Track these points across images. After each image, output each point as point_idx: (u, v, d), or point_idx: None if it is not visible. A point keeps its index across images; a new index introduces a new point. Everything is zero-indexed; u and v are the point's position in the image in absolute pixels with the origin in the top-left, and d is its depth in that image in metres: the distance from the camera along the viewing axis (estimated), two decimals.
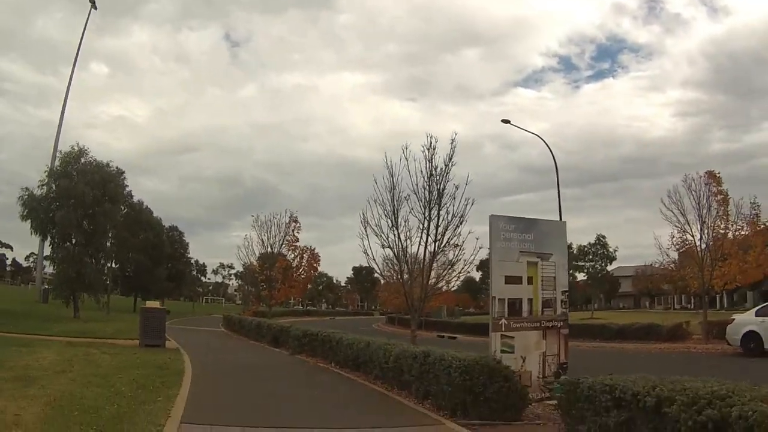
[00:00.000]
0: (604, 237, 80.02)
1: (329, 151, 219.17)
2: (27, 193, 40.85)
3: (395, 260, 19.59)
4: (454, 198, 18.31)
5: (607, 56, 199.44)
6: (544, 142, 39.39)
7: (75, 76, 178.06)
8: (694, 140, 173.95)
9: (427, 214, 18.52)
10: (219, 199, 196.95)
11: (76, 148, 43.04)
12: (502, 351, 12.18)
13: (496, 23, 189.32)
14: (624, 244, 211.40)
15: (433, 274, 19.68)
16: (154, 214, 68.50)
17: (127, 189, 54.07)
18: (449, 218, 18.31)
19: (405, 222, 19.08)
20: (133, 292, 67.27)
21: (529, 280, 12.89)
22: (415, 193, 18.66)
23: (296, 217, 45.16)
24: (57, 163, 42.34)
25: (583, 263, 79.74)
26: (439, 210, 18.39)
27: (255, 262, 45.20)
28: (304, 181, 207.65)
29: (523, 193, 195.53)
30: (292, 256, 45.98)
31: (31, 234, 41.33)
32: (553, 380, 11.93)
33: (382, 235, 19.23)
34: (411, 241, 19.02)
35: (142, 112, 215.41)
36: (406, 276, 19.65)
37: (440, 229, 18.43)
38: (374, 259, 19.97)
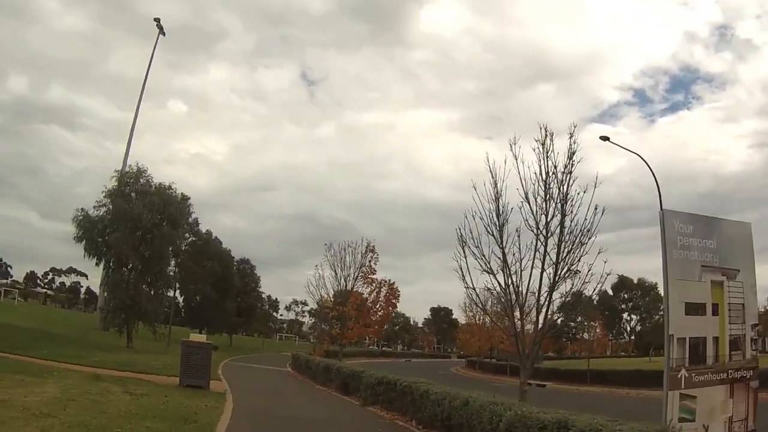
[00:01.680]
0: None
1: (406, 189, 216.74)
2: (82, 214, 38.00)
3: (500, 290, 14.63)
4: (580, 205, 13.62)
5: (680, 87, 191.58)
6: (645, 161, 34.48)
7: (153, 114, 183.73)
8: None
9: (543, 227, 13.79)
10: (295, 238, 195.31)
11: (134, 168, 40.04)
12: (681, 419, 7.73)
13: (569, 57, 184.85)
14: None
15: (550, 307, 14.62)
16: (224, 245, 65.24)
17: (193, 216, 51.52)
18: (576, 231, 13.51)
19: (512, 242, 14.42)
20: (199, 324, 63.61)
21: (714, 309, 8.29)
22: (526, 201, 14.01)
23: (373, 246, 40.48)
24: (113, 182, 39.10)
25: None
26: (562, 220, 13.63)
27: (327, 296, 40.67)
28: (380, 219, 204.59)
29: (602, 234, 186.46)
30: (368, 290, 41.09)
31: (84, 257, 38.45)
32: None
33: (483, 258, 14.61)
34: (521, 265, 14.24)
35: (219, 150, 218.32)
36: (516, 312, 14.67)
37: (564, 247, 13.59)
38: (473, 288, 15.13)
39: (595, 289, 14.53)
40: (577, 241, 13.37)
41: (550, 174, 13.80)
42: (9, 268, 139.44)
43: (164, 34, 66.98)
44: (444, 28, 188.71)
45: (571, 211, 13.54)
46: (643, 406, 24.67)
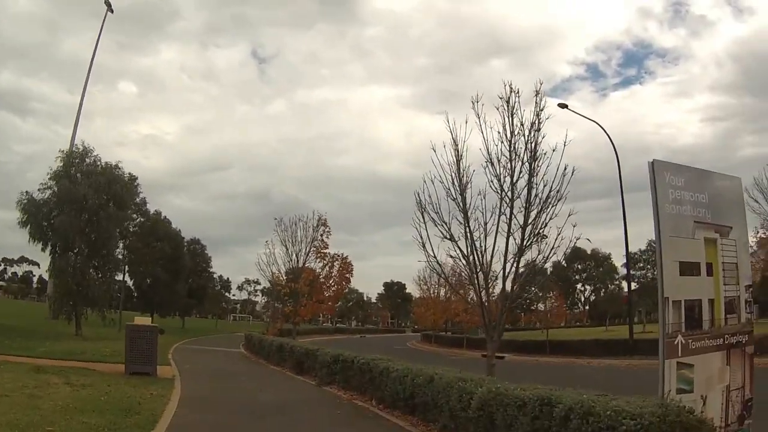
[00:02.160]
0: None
1: (359, 166, 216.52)
2: (26, 197, 36.34)
3: (463, 258, 13.86)
4: (549, 165, 12.94)
5: (633, 62, 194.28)
6: (602, 128, 34.74)
7: (104, 96, 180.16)
8: (724, 145, 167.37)
9: (509, 188, 13.11)
10: (249, 217, 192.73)
11: (80, 148, 38.47)
12: (678, 390, 7.17)
13: (522, 33, 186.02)
14: None
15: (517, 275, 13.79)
16: (175, 226, 63.69)
17: (141, 196, 50.15)
18: (546, 193, 12.84)
19: (475, 206, 13.72)
20: (150, 308, 62.00)
21: (709, 269, 7.77)
22: (490, 162, 13.29)
23: (325, 219, 39.34)
24: (59, 163, 37.39)
25: (634, 272, 74.46)
26: (530, 179, 12.94)
27: (278, 273, 39.39)
28: (333, 196, 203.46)
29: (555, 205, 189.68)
30: (321, 265, 39.77)
31: (29, 242, 36.74)
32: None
33: (444, 225, 13.91)
34: (485, 230, 13.51)
35: (171, 130, 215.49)
36: (480, 281, 13.81)
37: (531, 210, 12.90)
38: (435, 257, 14.33)
39: (564, 254, 13.74)
40: (546, 203, 12.68)
41: (516, 132, 13.11)
42: None
43: (112, 11, 65.04)
44: (397, 3, 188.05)
45: (538, 171, 12.85)
46: (613, 377, 24.45)
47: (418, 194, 14.08)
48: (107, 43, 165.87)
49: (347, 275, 41.34)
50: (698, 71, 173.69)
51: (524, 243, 12.89)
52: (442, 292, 63.52)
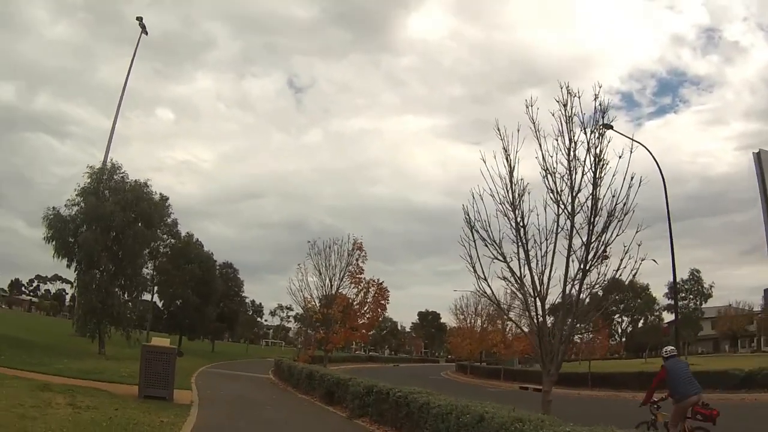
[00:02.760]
0: (698, 272, 71.96)
1: (393, 195, 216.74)
2: (53, 213, 35.34)
3: (517, 281, 12.02)
4: (615, 174, 11.14)
5: (668, 90, 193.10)
6: (649, 151, 32.62)
7: (141, 122, 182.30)
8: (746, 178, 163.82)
9: (569, 200, 11.36)
10: (284, 245, 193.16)
11: (108, 164, 37.46)
12: None
13: (555, 61, 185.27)
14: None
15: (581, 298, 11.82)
16: (206, 249, 62.33)
17: (172, 217, 49.24)
18: (613, 204, 11.00)
19: (529, 222, 11.98)
20: (179, 330, 60.61)
21: None
22: (547, 172, 11.57)
23: (361, 243, 37.37)
24: (86, 179, 36.36)
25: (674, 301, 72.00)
26: (594, 190, 11.12)
27: (310, 297, 37.59)
28: (368, 224, 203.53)
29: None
30: (355, 290, 37.70)
31: (54, 258, 35.48)
32: None
33: (494, 244, 12.15)
34: (541, 250, 11.71)
35: (207, 157, 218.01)
36: (538, 306, 11.93)
37: (597, 225, 11.11)
38: (485, 279, 12.39)
39: (631, 276, 11.62)
40: (612, 215, 10.88)
41: (576, 139, 11.42)
42: None
43: (146, 33, 64.48)
44: (430, 33, 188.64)
45: (602, 181, 11.06)
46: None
47: (466, 208, 12.38)
48: (144, 70, 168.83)
49: (383, 302, 39.10)
50: (732, 98, 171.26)
51: (588, 263, 11.08)
52: (478, 322, 61.79)
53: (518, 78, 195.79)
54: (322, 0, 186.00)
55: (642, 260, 11.00)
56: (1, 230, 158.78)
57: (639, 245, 10.85)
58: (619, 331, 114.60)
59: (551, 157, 11.51)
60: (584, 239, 11.04)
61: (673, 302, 70.35)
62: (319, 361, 37.78)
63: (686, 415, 11.24)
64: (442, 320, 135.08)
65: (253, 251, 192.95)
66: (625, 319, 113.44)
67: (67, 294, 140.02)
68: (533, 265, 11.61)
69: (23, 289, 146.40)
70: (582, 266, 11.09)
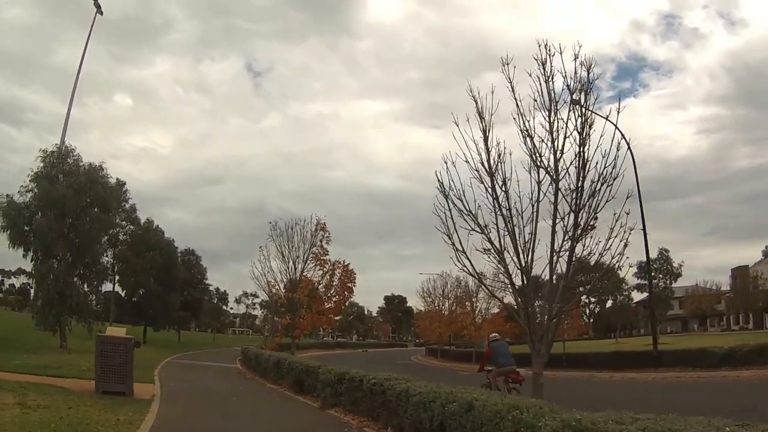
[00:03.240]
0: (667, 251, 72.13)
1: (353, 179, 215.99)
2: (6, 200, 33.64)
3: (497, 253, 11.09)
4: (603, 135, 10.32)
5: (627, 75, 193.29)
6: (615, 126, 31.50)
7: (100, 107, 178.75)
8: (718, 157, 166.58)
9: (551, 165, 10.50)
10: (244, 230, 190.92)
11: (62, 148, 35.75)
12: None
13: (514, 45, 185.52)
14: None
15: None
16: (168, 236, 60.78)
17: (131, 202, 47.69)
18: (603, 165, 10.11)
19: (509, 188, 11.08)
20: (142, 321, 59.15)
21: None
22: (527, 136, 10.73)
23: (324, 223, 36.00)
24: (39, 163, 34.67)
25: (644, 281, 72.26)
26: (581, 151, 10.22)
27: (274, 282, 36.17)
28: (327, 209, 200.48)
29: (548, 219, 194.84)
30: (321, 273, 36.34)
31: (9, 248, 33.76)
32: None
33: (471, 214, 11.24)
34: (522, 219, 10.81)
35: (165, 143, 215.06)
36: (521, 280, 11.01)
37: (583, 193, 10.20)
38: (464, 251, 11.34)
39: (621, 251, 10.73)
40: (603, 179, 9.99)
41: (558, 99, 10.57)
42: None
43: (101, 13, 62.45)
44: (388, 16, 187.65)
45: (589, 138, 10.16)
46: (651, 391, 21.90)
47: (440, 176, 11.43)
48: (101, 54, 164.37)
49: (349, 284, 37.45)
50: (691, 83, 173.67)
51: (578, 230, 10.20)
52: (446, 305, 61.10)
53: (475, 62, 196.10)
54: None
55: (631, 230, 10.20)
56: None
57: (627, 213, 10.04)
58: (588, 311, 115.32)
59: (530, 119, 10.70)
60: (571, 205, 10.17)
61: (643, 281, 70.57)
62: (288, 349, 36.73)
63: (504, 380, 17.20)
64: (408, 304, 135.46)
65: (213, 237, 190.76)
66: (592, 299, 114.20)
67: (32, 288, 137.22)
68: (517, 235, 10.72)
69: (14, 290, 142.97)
70: (572, 234, 10.23)
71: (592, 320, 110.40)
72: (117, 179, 41.00)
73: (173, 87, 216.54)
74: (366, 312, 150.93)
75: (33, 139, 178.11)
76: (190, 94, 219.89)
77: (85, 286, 36.17)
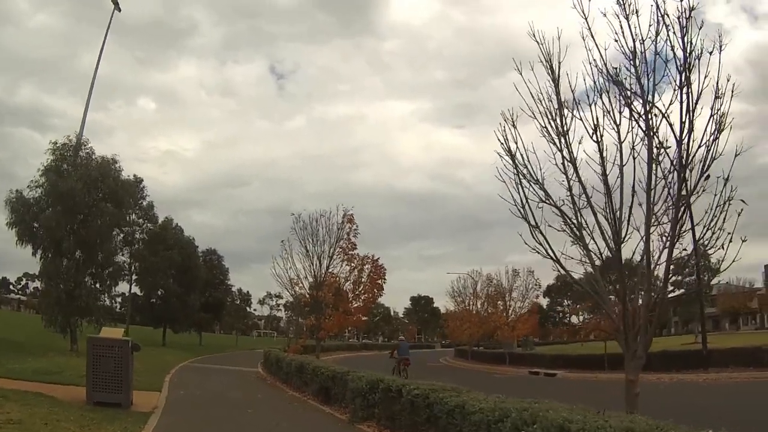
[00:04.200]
0: (704, 246, 69.39)
1: (379, 180, 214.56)
2: (15, 195, 31.69)
3: (574, 230, 8.70)
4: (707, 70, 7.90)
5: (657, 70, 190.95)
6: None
7: (124, 111, 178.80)
8: (744, 153, 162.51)
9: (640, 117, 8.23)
10: (270, 232, 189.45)
11: (72, 140, 33.61)
12: None
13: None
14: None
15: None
16: (189, 236, 58.59)
17: (148, 199, 45.79)
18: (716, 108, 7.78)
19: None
20: (161, 323, 57.04)
21: None
22: (614, 79, 8.49)
23: (351, 215, 32.78)
24: (49, 156, 32.62)
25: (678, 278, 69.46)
26: (687, 77, 7.84)
27: (297, 279, 33.07)
28: (354, 211, 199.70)
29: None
30: (349, 268, 32.98)
31: (17, 245, 31.69)
32: None
33: (539, 183, 8.93)
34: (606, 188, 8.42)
35: (190, 146, 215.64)
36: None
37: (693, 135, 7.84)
38: (537, 227, 9.01)
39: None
40: (720, 126, 7.55)
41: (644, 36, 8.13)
42: None
43: (119, 9, 60.75)
44: (413, 16, 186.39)
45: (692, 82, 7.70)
46: (722, 396, 19.52)
47: (503, 133, 9.08)
48: (126, 58, 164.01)
49: (379, 281, 33.68)
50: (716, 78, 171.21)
51: (688, 186, 7.74)
52: (478, 304, 58.70)
53: (502, 61, 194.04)
54: None
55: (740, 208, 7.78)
56: None
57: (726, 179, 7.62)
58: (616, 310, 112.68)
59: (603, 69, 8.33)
60: (674, 162, 7.72)
61: (678, 277, 67.68)
62: (312, 351, 34.31)
63: (400, 363, 29.02)
64: (435, 305, 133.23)
65: (239, 240, 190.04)
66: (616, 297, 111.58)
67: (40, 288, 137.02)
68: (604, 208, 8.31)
69: (11, 288, 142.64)
70: (675, 199, 7.79)
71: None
72: (134, 175, 39.49)
73: (197, 90, 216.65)
74: (392, 313, 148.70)
75: None
76: (214, 96, 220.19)
77: (98, 285, 34.02)
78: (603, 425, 5.69)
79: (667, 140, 7.97)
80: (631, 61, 8.21)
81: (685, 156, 7.71)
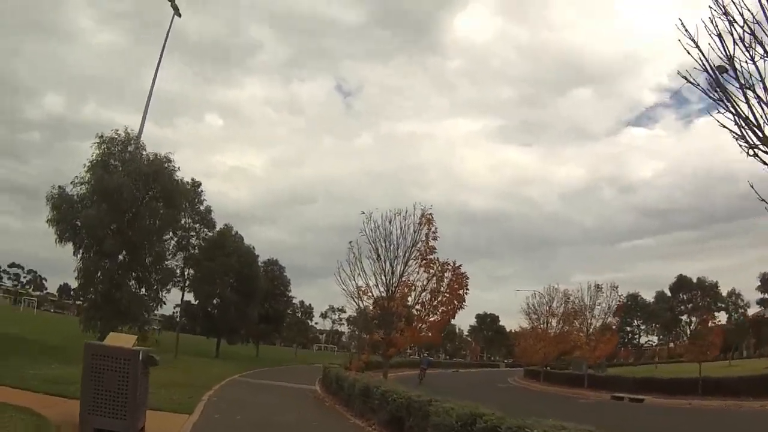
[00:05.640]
0: None
1: (445, 198, 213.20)
2: (57, 191, 29.32)
3: None
4: None
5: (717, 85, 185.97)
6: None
7: (191, 128, 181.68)
8: None
9: None
10: (335, 248, 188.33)
11: (120, 134, 30.98)
12: None
13: (604, 60, 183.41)
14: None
15: None
16: (246, 243, 56.01)
17: (205, 204, 43.49)
18: None
19: None
20: (216, 333, 54.37)
21: None
22: None
23: (431, 214, 28.15)
24: (95, 151, 30.08)
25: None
26: None
27: (366, 288, 28.61)
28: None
29: (642, 238, 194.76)
30: (426, 276, 28.13)
31: (56, 243, 29.26)
32: None
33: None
34: None
35: (257, 163, 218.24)
36: None
37: None
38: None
39: None
40: None
41: None
42: (44, 281, 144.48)
43: (179, 15, 58.95)
44: (477, 35, 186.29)
45: None
46: None
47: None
48: (191, 76, 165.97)
49: (460, 291, 28.42)
50: None
51: None
52: (553, 323, 54.62)
53: (567, 78, 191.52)
54: (368, 2, 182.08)
55: None
56: (51, 235, 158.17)
57: None
58: (688, 332, 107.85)
59: None
60: None
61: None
62: (375, 368, 30.53)
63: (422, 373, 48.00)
64: (500, 323, 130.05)
65: (304, 255, 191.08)
66: (694, 319, 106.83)
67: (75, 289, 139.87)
68: None
69: (71, 293, 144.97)
70: None
71: (686, 339, 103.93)
72: (192, 179, 37.50)
73: (263, 107, 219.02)
74: (457, 331, 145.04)
75: None
76: (281, 114, 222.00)
77: (143, 289, 31.28)
78: None
79: None
80: None
81: None
